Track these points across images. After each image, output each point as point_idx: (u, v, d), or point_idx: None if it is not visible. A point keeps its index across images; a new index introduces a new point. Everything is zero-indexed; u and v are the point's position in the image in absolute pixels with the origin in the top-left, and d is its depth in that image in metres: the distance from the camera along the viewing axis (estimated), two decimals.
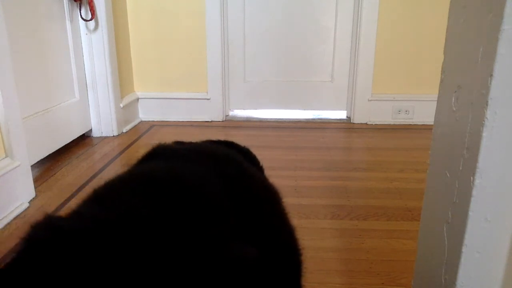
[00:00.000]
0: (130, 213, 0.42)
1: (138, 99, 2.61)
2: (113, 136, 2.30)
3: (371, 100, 2.51)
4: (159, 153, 0.61)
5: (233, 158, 0.63)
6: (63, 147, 2.00)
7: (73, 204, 1.49)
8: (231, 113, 2.69)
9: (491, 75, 0.55)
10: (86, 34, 2.17)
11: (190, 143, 0.67)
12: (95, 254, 0.36)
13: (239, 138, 2.28)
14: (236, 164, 0.61)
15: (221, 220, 0.46)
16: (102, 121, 2.29)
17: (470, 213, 0.61)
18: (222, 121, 2.60)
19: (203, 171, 0.53)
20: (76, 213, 0.44)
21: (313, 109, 2.68)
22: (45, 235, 0.38)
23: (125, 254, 0.37)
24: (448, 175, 0.67)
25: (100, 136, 2.29)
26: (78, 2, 2.07)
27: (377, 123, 2.53)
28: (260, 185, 0.61)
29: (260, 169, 0.77)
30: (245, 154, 0.70)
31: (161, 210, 0.43)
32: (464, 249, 0.63)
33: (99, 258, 0.36)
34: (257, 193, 0.58)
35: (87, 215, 0.42)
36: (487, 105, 0.56)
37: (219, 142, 0.76)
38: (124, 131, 2.38)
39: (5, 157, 1.41)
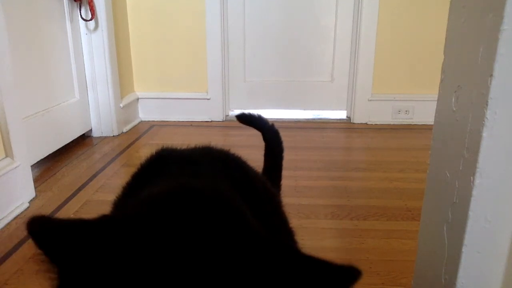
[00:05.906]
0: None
1: (138, 99, 2.61)
2: (113, 136, 2.30)
3: (371, 100, 2.51)
4: (166, 156, 0.60)
5: (236, 160, 0.64)
6: (63, 147, 2.00)
7: (73, 204, 1.49)
8: (231, 113, 2.69)
9: (491, 75, 0.55)
10: (86, 34, 2.17)
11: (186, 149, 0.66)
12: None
13: (239, 138, 2.29)
14: (240, 166, 0.63)
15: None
16: (102, 121, 2.29)
17: (470, 213, 0.61)
18: (222, 121, 2.60)
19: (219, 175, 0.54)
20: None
21: (313, 109, 2.68)
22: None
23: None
24: (448, 175, 0.67)
25: (100, 136, 2.29)
26: (78, 2, 2.07)
27: (377, 123, 2.53)
28: (261, 186, 0.62)
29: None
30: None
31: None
32: (464, 249, 0.63)
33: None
34: (260, 194, 0.59)
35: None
36: (487, 105, 0.56)
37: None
38: (124, 131, 2.38)
39: (5, 157, 1.41)
